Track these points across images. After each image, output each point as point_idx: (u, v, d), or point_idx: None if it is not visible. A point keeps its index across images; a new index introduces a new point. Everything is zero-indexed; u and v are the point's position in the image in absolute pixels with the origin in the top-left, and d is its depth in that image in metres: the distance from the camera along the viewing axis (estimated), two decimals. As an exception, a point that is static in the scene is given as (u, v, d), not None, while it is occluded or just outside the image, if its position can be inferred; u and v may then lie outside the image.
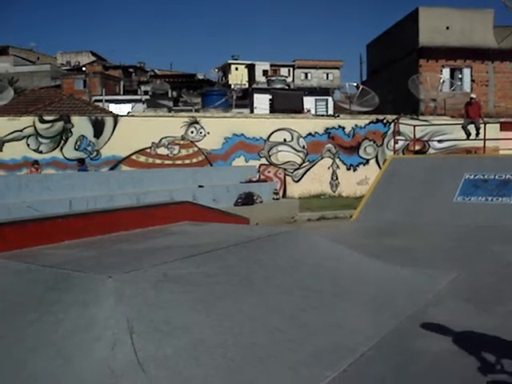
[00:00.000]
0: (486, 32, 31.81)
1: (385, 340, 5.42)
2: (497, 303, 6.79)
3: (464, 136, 20.06)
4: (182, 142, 23.91)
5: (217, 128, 24.20)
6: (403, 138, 23.38)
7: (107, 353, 4.22)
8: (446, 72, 31.86)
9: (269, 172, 23.69)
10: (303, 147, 25.31)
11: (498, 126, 24.68)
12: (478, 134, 19.60)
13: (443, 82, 30.78)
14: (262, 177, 22.20)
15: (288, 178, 24.73)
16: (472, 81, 32.00)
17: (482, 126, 19.30)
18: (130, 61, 68.70)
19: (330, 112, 36.72)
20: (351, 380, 4.70)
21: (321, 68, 68.30)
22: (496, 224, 12.08)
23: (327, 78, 68.13)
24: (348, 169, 25.61)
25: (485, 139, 18.63)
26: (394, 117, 25.45)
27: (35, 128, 22.62)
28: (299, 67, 67.61)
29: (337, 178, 25.32)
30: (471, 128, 19.76)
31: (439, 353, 5.24)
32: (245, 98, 43.86)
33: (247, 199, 17.49)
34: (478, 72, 31.92)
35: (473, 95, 20.91)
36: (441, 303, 6.84)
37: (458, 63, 31.90)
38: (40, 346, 4.36)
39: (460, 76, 32.19)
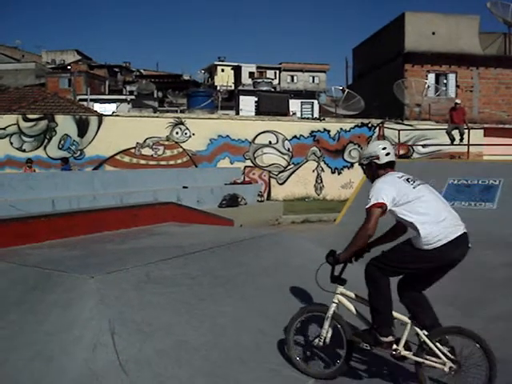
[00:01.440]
0: (472, 38, 32.04)
1: (367, 343, 5.42)
2: (480, 307, 6.84)
3: (448, 141, 20.17)
4: (166, 143, 23.85)
5: (202, 129, 24.16)
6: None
7: (88, 354, 4.19)
8: (431, 77, 32.03)
9: (253, 174, 23.70)
10: (288, 150, 25.33)
11: (482, 131, 24.85)
12: (462, 139, 19.70)
13: (428, 87, 30.97)
14: (247, 179, 22.20)
15: (273, 181, 24.74)
16: (457, 86, 32.19)
17: (466, 131, 19.39)
18: (115, 60, 68.49)
19: (316, 115, 36.79)
20: (335, 381, 4.71)
21: (307, 71, 68.39)
22: (479, 229, 12.12)
23: (313, 81, 68.24)
24: (333, 172, 25.67)
25: (469, 144, 18.73)
26: (379, 121, 25.56)
27: (19, 126, 22.47)
28: (285, 70, 67.66)
29: (321, 181, 25.38)
30: (455, 133, 19.87)
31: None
32: (230, 100, 43.85)
33: (231, 201, 17.47)
34: (462, 78, 32.13)
35: (457, 101, 21.04)
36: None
37: (443, 68, 32.08)
38: (21, 345, 4.33)
39: (445, 81, 32.37)
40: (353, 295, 4.82)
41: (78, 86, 47.15)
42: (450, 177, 14.72)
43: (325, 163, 25.58)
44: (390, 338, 4.49)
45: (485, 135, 24.80)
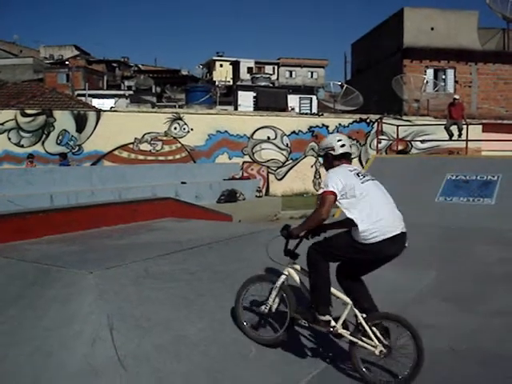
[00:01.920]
0: (470, 34, 31.99)
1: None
2: (477, 303, 6.84)
3: (446, 136, 20.16)
4: (165, 138, 23.82)
5: (200, 124, 24.13)
6: (386, 138, 23.48)
7: (87, 349, 4.20)
8: (430, 73, 31.99)
9: (252, 169, 23.70)
10: (287, 145, 25.33)
11: (480, 127, 24.84)
12: (460, 134, 19.70)
13: (427, 82, 30.92)
14: (245, 174, 22.20)
15: (271, 176, 24.75)
16: (455, 82, 32.15)
17: (464, 127, 19.40)
18: (113, 55, 68.38)
19: (314, 110, 36.63)
20: (332, 377, 4.72)
21: (305, 66, 68.31)
22: (477, 225, 12.15)
23: (312, 76, 68.17)
24: (331, 167, 25.64)
25: (467, 140, 18.74)
26: (378, 116, 25.55)
27: (17, 122, 22.41)
28: (284, 65, 67.58)
29: (320, 177, 25.34)
30: (454, 129, 19.86)
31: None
32: (229, 95, 43.78)
33: (230, 196, 17.47)
34: (461, 73, 32.09)
35: (456, 96, 21.02)
36: (422, 302, 6.88)
37: (442, 64, 32.03)
38: (20, 341, 4.33)
39: (443, 77, 32.33)
40: (298, 268, 5.02)
41: (76, 82, 47.08)
42: (449, 172, 14.73)
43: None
44: (327, 317, 4.71)
45: (483, 131, 24.79)
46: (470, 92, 32.10)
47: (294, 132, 25.37)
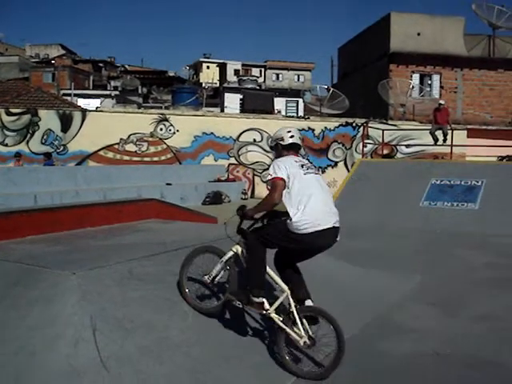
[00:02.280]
0: (457, 39, 32.18)
1: (350, 342, 5.43)
2: (461, 307, 6.88)
3: (432, 141, 20.28)
4: (150, 139, 23.76)
5: (186, 126, 24.09)
6: (372, 142, 23.56)
7: (70, 350, 4.17)
8: (416, 78, 32.14)
9: (238, 172, 23.69)
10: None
11: (465, 132, 25.03)
12: (445, 139, 19.82)
13: (413, 87, 31.08)
14: (231, 176, 22.20)
15: (257, 179, 24.73)
16: (441, 87, 32.33)
17: (449, 132, 19.53)
18: (100, 55, 68.08)
19: (301, 114, 36.74)
20: (317, 381, 4.72)
21: (292, 69, 68.52)
22: (461, 229, 12.23)
23: (298, 79, 68.37)
24: (317, 171, 25.67)
25: (452, 145, 18.87)
26: (364, 120, 25.61)
27: (1, 120, 22.28)
28: (271, 68, 67.74)
29: (305, 180, 25.36)
30: (439, 134, 19.99)
31: (404, 355, 5.29)
32: (215, 97, 43.76)
33: (215, 198, 17.45)
34: (447, 79, 32.28)
35: (441, 101, 21.15)
36: (406, 306, 6.91)
37: (428, 69, 32.20)
38: (3, 341, 4.29)
39: (429, 82, 32.50)
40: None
41: (62, 81, 46.87)
42: (433, 177, 14.83)
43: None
44: (261, 299, 4.90)
45: (468, 136, 24.98)
46: (456, 97, 32.30)
47: (280, 135, 25.35)
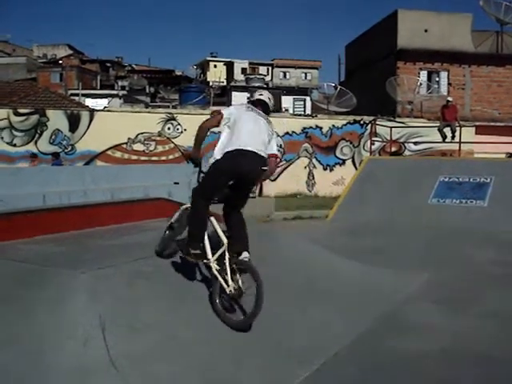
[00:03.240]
0: (464, 36, 32.05)
1: (357, 339, 5.44)
2: (469, 305, 6.85)
3: (440, 138, 20.22)
4: (158, 139, 23.77)
5: (194, 125, 23.39)
6: (380, 140, 23.48)
7: (79, 349, 4.18)
8: (424, 75, 32.06)
9: (245, 170, 23.63)
10: (280, 146, 25.29)
11: (473, 129, 24.92)
12: (453, 136, 19.76)
13: (420, 84, 31.00)
14: (239, 175, 22.14)
15: (264, 177, 24.65)
16: (449, 84, 32.23)
17: (457, 129, 19.46)
18: (107, 55, 68.03)
19: (308, 112, 36.75)
20: (324, 379, 4.71)
21: (299, 68, 68.41)
22: (469, 226, 12.18)
23: (306, 77, 68.24)
24: (324, 169, 25.64)
25: (460, 142, 18.79)
26: (371, 118, 25.54)
27: (9, 121, 22.35)
28: (278, 66, 67.66)
29: (313, 178, 25.35)
30: (447, 131, 19.93)
31: (410, 352, 5.27)
32: (223, 96, 43.74)
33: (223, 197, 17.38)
34: (454, 75, 32.17)
35: (449, 98, 21.10)
36: (413, 304, 6.88)
37: (436, 66, 32.11)
38: (11, 341, 4.30)
39: (437, 79, 32.40)
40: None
41: (70, 81, 47.01)
42: (442, 174, 14.78)
43: (317, 160, 25.55)
44: (198, 251, 5.32)
45: (476, 133, 24.88)
46: (464, 94, 32.18)
47: (287, 133, 25.33)
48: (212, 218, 5.53)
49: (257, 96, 5.87)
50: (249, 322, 5.06)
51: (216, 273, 5.27)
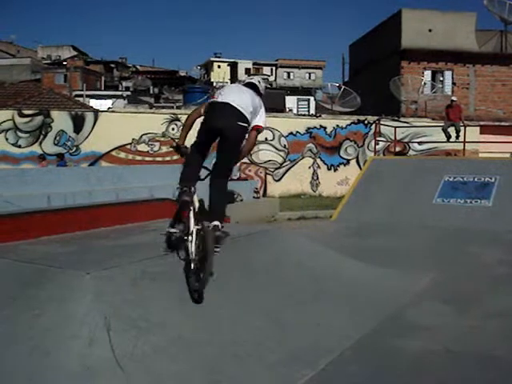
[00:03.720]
0: (468, 35, 32.03)
1: (363, 340, 5.43)
2: (475, 305, 6.84)
3: (444, 138, 20.20)
4: (162, 139, 23.81)
5: (198, 125, 24.01)
6: (384, 139, 23.47)
7: (84, 349, 4.19)
8: (428, 74, 32.05)
9: (249, 170, 23.65)
10: (284, 146, 25.32)
11: (477, 129, 24.91)
12: (458, 136, 19.75)
13: (424, 84, 30.98)
14: (243, 175, 22.15)
15: (268, 177, 24.71)
16: (453, 83, 32.21)
17: (462, 128, 19.45)
18: (111, 56, 68.27)
19: (312, 112, 36.77)
20: (329, 379, 4.70)
21: (303, 68, 68.45)
22: (474, 226, 12.15)
23: (309, 77, 68.27)
24: (329, 169, 25.66)
25: (465, 142, 18.78)
26: (375, 118, 25.55)
27: (14, 122, 22.40)
28: (282, 66, 67.71)
29: (317, 178, 25.37)
30: (451, 130, 19.91)
31: (417, 353, 5.27)
32: (227, 96, 43.63)
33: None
34: (459, 75, 32.15)
35: (454, 98, 21.08)
36: (419, 304, 6.87)
37: (440, 66, 32.10)
38: (16, 341, 4.31)
39: (441, 78, 32.38)
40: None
41: (74, 82, 47.03)
42: (446, 174, 14.73)
43: (321, 160, 25.57)
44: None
45: (481, 133, 24.87)
46: (468, 94, 32.16)
47: (291, 133, 25.35)
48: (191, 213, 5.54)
49: (247, 80, 6.31)
50: (199, 297, 5.19)
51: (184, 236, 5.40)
